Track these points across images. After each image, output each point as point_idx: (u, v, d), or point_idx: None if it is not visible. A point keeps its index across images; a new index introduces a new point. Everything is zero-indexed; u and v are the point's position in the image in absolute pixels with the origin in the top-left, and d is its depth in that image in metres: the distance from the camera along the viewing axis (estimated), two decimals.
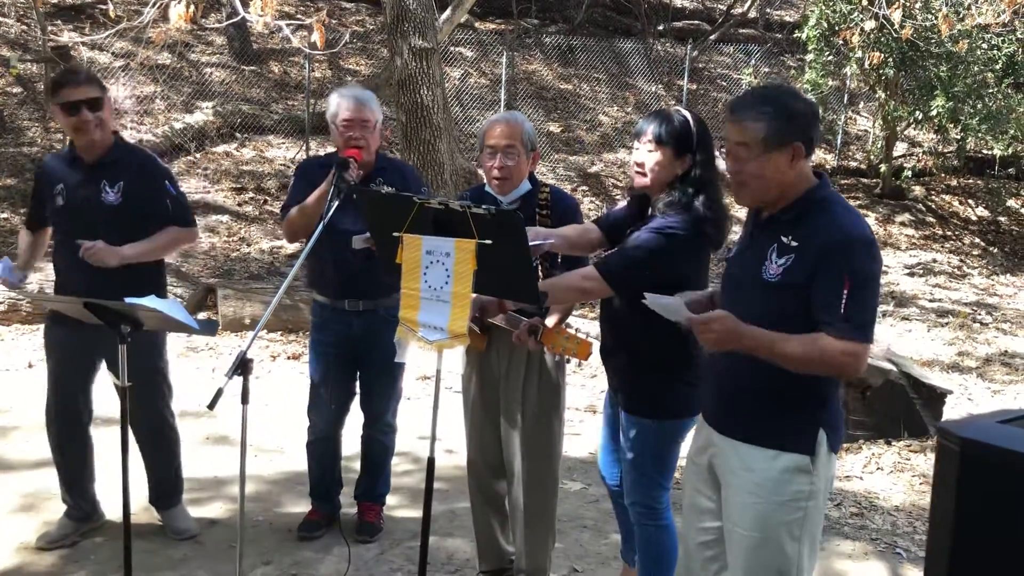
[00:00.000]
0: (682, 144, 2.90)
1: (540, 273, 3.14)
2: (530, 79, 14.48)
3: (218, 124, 11.32)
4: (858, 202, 12.93)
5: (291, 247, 8.91)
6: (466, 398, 3.48)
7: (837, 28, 11.36)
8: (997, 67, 11.92)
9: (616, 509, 3.44)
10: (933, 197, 13.91)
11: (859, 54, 11.38)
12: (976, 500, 1.59)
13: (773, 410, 2.40)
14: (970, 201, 14.01)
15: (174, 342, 5.87)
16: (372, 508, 3.98)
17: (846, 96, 14.36)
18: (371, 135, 3.56)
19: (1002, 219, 13.74)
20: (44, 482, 4.16)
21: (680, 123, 2.90)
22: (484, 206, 2.62)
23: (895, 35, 10.00)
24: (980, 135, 12.42)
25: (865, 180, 13.96)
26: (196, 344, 6.73)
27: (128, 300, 2.84)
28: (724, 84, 15.49)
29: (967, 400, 6.64)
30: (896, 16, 8.52)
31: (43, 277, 6.98)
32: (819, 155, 14.29)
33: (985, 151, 13.56)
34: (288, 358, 6.57)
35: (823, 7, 11.67)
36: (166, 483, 3.87)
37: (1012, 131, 12.19)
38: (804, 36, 12.02)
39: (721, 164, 2.65)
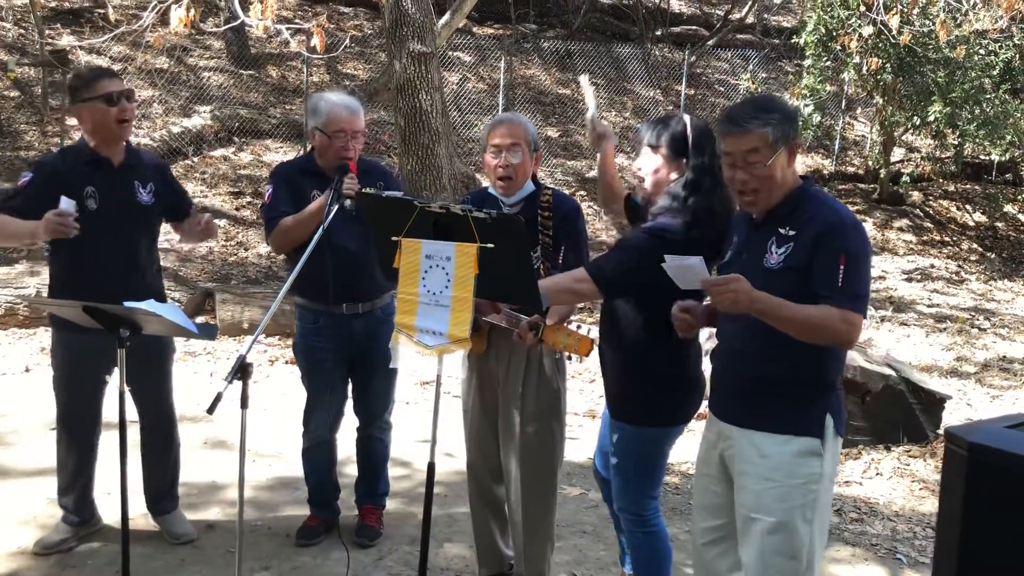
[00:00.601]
0: (678, 149, 2.93)
1: (542, 274, 3.14)
2: (528, 84, 14.49)
3: (216, 128, 11.30)
4: (856, 207, 12.92)
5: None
6: (465, 400, 3.46)
7: (835, 34, 11.36)
8: (994, 73, 11.93)
9: (610, 511, 3.45)
10: (931, 202, 13.93)
11: (857, 60, 11.39)
12: (984, 505, 1.58)
13: (783, 397, 2.54)
14: (968, 206, 14.02)
15: None
16: (374, 511, 3.97)
17: (844, 101, 14.37)
18: (359, 144, 3.59)
19: (999, 224, 13.75)
20: (41, 487, 4.14)
21: (677, 128, 2.94)
22: (485, 210, 2.62)
23: (893, 41, 10.00)
24: (977, 140, 12.43)
25: (863, 185, 13.97)
26: (194, 348, 6.71)
27: (127, 304, 2.83)
28: (722, 89, 15.50)
29: (966, 405, 6.63)
30: (894, 22, 8.54)
31: (40, 281, 6.97)
32: (817, 160, 14.30)
33: (982, 156, 13.57)
34: (286, 362, 6.54)
35: (821, 13, 11.67)
36: (169, 487, 3.87)
37: (1009, 136, 12.20)
38: (802, 42, 12.02)
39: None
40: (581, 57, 14.89)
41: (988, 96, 12.10)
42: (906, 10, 9.19)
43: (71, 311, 3.00)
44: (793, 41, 12.95)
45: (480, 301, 3.04)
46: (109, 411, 3.69)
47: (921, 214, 13.54)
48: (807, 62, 12.23)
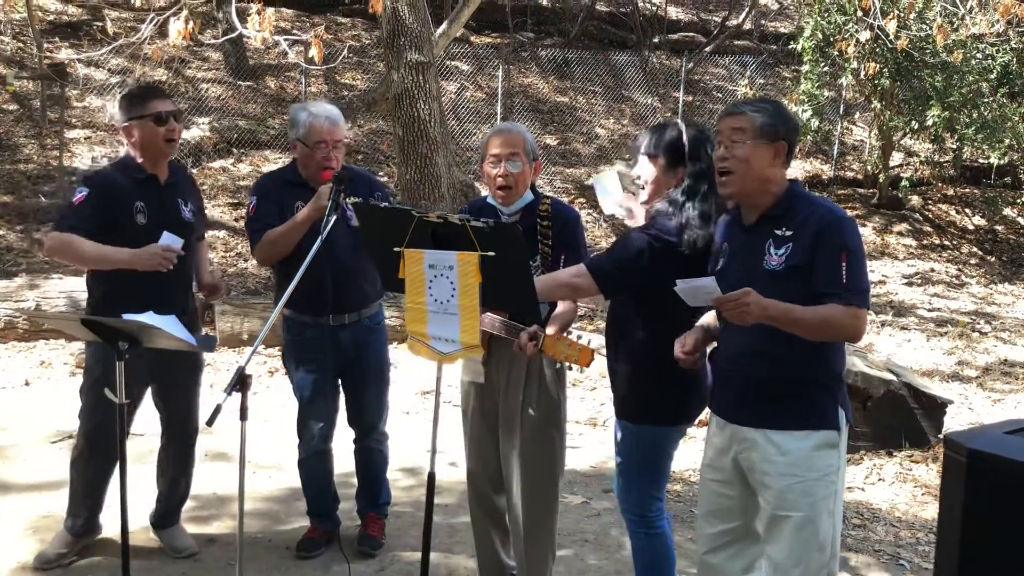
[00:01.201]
0: (675, 156, 2.99)
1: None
2: (526, 92, 14.51)
3: (215, 139, 11.31)
4: (855, 212, 12.92)
5: None
6: (465, 408, 3.45)
7: (832, 39, 11.38)
8: (992, 76, 11.94)
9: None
10: (930, 207, 13.92)
11: (854, 65, 11.40)
12: (983, 511, 1.58)
13: (797, 394, 2.61)
14: (967, 210, 14.02)
15: None
16: (376, 521, 3.96)
17: (842, 107, 14.37)
18: (341, 153, 3.61)
19: (999, 228, 13.75)
20: (42, 501, 4.13)
21: (672, 135, 2.99)
22: (482, 219, 2.63)
23: (890, 46, 10.01)
24: (976, 144, 12.44)
25: (862, 190, 13.97)
26: None
27: (126, 316, 2.83)
28: (720, 96, 15.51)
29: (968, 410, 6.61)
30: (891, 27, 8.54)
31: (39, 295, 6.97)
32: (816, 165, 14.30)
33: (981, 160, 13.57)
34: (285, 373, 6.53)
35: (818, 18, 11.69)
36: (179, 502, 3.86)
37: (1008, 140, 12.21)
38: (799, 47, 12.04)
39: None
40: (579, 65, 14.91)
41: (986, 100, 12.11)
42: (903, 15, 9.20)
43: (71, 325, 3.00)
44: (791, 47, 12.99)
45: None
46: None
47: (920, 218, 13.54)
48: (805, 68, 12.25)
